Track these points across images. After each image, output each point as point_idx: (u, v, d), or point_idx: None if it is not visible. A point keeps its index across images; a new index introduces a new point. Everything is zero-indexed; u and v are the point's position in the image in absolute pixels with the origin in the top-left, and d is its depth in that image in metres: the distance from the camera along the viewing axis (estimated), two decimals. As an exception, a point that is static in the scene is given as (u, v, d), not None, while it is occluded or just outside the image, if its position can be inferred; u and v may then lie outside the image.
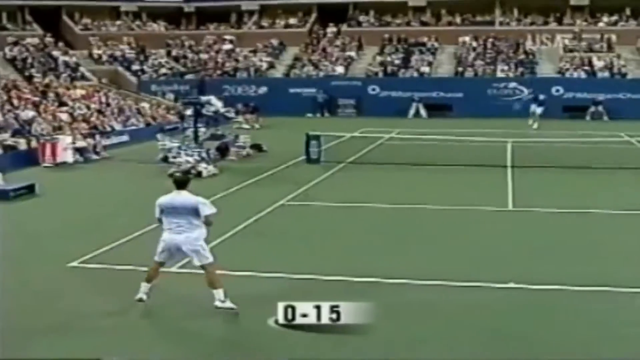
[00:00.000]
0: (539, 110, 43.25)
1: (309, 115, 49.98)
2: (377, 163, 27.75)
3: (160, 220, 11.68)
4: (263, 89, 52.58)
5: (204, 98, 29.53)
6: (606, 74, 51.55)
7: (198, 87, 33.53)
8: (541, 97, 43.86)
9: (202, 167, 25.73)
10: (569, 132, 35.24)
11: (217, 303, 11.24)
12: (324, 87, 51.91)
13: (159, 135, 30.96)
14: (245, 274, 13.31)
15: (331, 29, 59.88)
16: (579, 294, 12.50)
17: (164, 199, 11.59)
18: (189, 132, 28.90)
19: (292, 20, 62.01)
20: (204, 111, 29.07)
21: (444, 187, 23.25)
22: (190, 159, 26.09)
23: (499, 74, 52.53)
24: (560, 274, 13.51)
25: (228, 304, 11.25)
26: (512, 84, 50.50)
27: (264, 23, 62.48)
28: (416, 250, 15.61)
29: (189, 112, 29.88)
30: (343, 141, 32.69)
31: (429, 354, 10.19)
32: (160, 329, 11.30)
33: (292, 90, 52.14)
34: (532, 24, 58.49)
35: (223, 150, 29.17)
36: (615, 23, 57.29)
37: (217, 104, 29.64)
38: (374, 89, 51.80)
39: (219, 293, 11.28)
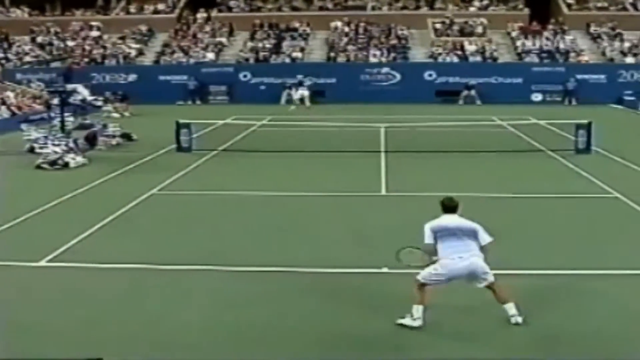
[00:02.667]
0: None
1: (180, 102, 49.25)
2: (250, 150, 27.65)
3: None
4: (132, 77, 51.48)
5: (70, 86, 28.82)
6: (478, 58, 52.49)
7: (64, 75, 32.59)
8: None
9: (70, 157, 25.11)
10: (442, 117, 35.71)
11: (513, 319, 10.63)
12: (194, 74, 51.22)
13: (24, 126, 30.19)
14: (116, 266, 13.06)
15: (201, 15, 59.06)
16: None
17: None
18: (56, 121, 28.19)
19: (160, 6, 60.83)
20: (70, 100, 28.42)
21: (316, 174, 23.30)
22: (57, 149, 25.43)
23: (372, 59, 52.79)
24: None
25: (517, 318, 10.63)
26: (385, 69, 50.89)
27: (132, 9, 61.19)
28: (292, 237, 15.60)
29: (55, 101, 29.08)
30: (215, 129, 32.46)
31: (304, 341, 10.19)
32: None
33: (162, 78, 51.25)
34: (403, 8, 59.02)
35: (91, 140, 28.44)
36: (486, 8, 58.54)
37: (84, 92, 29.10)
38: (245, 76, 51.40)
39: (511, 308, 10.65)
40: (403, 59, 53.14)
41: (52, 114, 29.32)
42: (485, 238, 10.69)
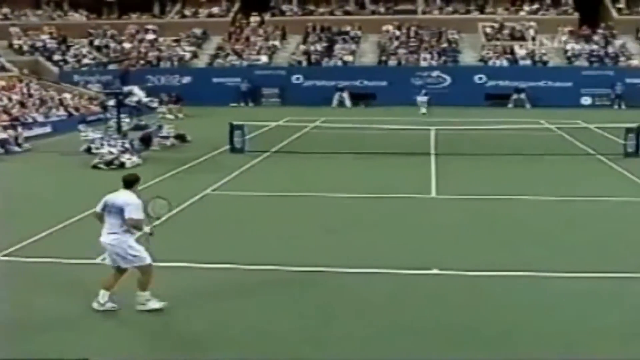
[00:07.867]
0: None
1: (233, 104, 49.70)
2: (302, 152, 27.82)
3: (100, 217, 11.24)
4: (186, 79, 52.21)
5: (126, 88, 29.22)
6: (528, 62, 52.28)
7: (121, 77, 33.03)
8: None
9: (126, 157, 25.56)
10: (491, 120, 35.61)
11: (139, 307, 11.12)
12: (247, 77, 51.70)
13: (81, 126, 30.57)
14: (171, 265, 13.17)
15: (254, 18, 59.54)
16: (501, 279, 12.75)
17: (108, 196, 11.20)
18: (112, 122, 28.59)
19: (215, 9, 61.44)
20: (126, 101, 28.82)
21: (368, 176, 23.36)
22: (113, 149, 25.85)
23: (422, 63, 52.80)
24: (482, 260, 13.76)
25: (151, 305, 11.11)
26: (435, 73, 50.92)
27: (187, 12, 61.85)
28: (343, 238, 15.69)
29: (111, 102, 29.50)
30: (267, 130, 32.65)
31: (355, 342, 10.29)
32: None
33: (215, 80, 51.78)
34: (453, 12, 59.00)
35: (146, 141, 28.86)
36: (536, 12, 58.13)
37: (139, 94, 29.38)
38: (297, 78, 51.80)
39: (144, 296, 11.12)
40: (453, 63, 53.09)
41: (109, 115, 29.69)
42: (129, 213, 10.82)
